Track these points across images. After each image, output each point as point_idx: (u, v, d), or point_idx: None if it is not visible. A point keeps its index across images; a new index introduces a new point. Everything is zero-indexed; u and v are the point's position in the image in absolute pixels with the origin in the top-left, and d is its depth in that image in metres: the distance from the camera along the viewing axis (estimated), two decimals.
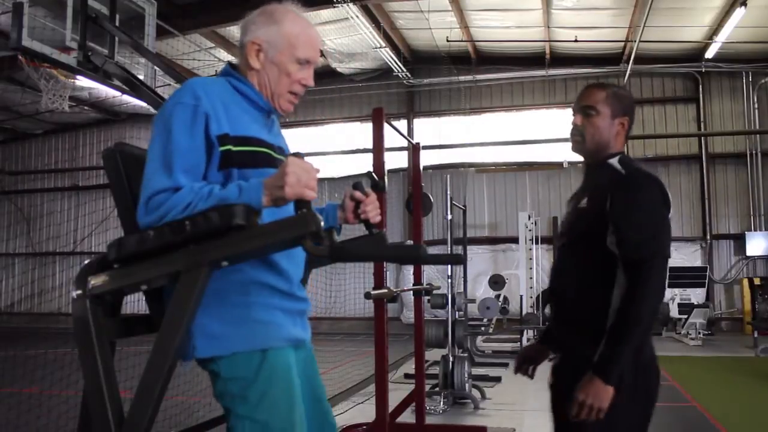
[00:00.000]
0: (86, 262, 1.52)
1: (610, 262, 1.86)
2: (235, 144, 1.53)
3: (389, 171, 4.27)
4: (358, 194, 1.69)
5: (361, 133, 14.52)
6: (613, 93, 2.01)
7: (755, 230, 12.97)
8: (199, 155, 1.50)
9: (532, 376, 2.21)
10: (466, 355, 6.19)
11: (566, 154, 12.98)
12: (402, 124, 14.55)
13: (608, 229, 1.86)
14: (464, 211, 8.85)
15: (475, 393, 5.95)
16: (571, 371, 1.87)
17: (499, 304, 10.06)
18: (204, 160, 1.51)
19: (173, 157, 1.47)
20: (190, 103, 1.51)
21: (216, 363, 1.51)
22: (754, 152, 13.09)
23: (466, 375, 5.85)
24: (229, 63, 1.72)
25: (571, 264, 1.99)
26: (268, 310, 1.57)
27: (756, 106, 13.16)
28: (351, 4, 10.43)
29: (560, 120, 13.60)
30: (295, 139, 15.08)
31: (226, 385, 1.51)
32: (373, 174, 3.66)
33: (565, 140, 13.05)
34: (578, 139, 2.02)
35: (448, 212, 6.24)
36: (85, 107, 14.39)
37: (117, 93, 7.96)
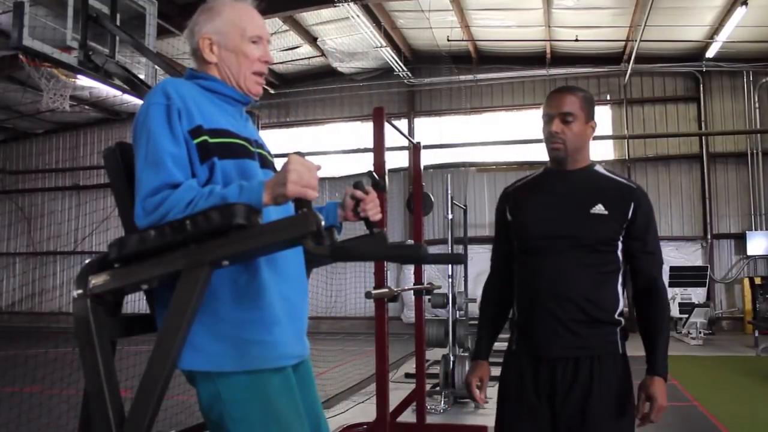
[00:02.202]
0: (87, 261, 1.52)
1: (617, 266, 2.02)
2: (210, 136, 1.54)
3: (390, 170, 4.27)
4: (358, 193, 1.69)
5: (361, 132, 14.51)
6: (584, 97, 2.07)
7: (756, 230, 12.96)
8: (183, 149, 1.50)
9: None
10: (466, 354, 6.19)
11: None
12: (403, 124, 14.55)
13: (621, 237, 2.00)
14: (465, 211, 8.85)
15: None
16: (596, 369, 1.95)
17: None
18: (187, 153, 1.51)
19: (159, 154, 1.46)
20: (163, 102, 1.51)
21: (214, 382, 1.49)
22: (755, 151, 13.08)
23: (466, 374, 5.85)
24: (190, 68, 1.73)
25: (583, 265, 1.98)
26: (265, 327, 1.53)
27: (757, 105, 13.15)
28: (351, 4, 10.42)
29: None
30: (295, 138, 15.09)
31: (226, 407, 1.49)
32: (374, 173, 3.66)
33: None
34: (560, 146, 2.04)
35: (449, 212, 6.23)
36: (86, 107, 14.38)
37: (118, 92, 7.94)
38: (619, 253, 2.01)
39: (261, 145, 1.72)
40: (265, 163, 1.69)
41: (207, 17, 1.68)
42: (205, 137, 1.53)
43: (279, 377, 1.54)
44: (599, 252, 1.99)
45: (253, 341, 1.51)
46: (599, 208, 1.98)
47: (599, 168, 2.11)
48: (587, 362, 1.95)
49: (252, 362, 1.50)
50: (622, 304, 2.02)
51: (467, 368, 5.84)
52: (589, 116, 2.07)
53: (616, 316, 1.99)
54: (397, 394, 4.89)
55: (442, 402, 5.73)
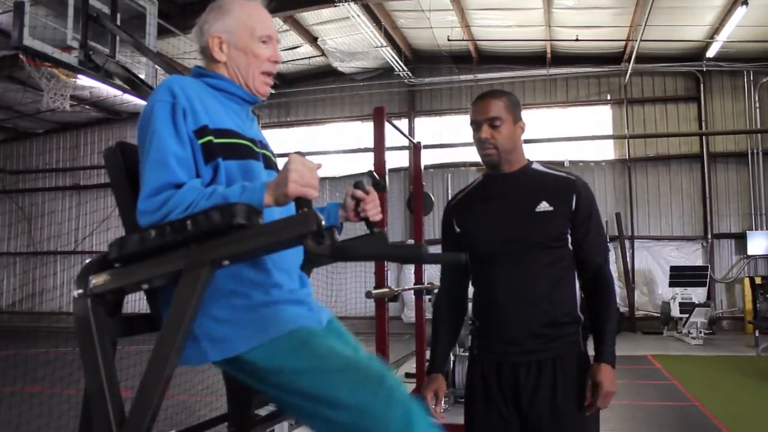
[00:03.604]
0: (87, 261, 1.52)
1: (570, 260, 2.03)
2: (215, 136, 1.53)
3: (390, 170, 4.27)
4: (358, 193, 1.69)
5: (362, 132, 14.51)
6: (509, 99, 2.10)
7: (756, 229, 12.96)
8: (188, 149, 1.50)
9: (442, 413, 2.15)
10: (467, 354, 6.19)
11: (567, 153, 13.00)
12: (403, 123, 14.54)
13: (569, 230, 2.02)
14: None
15: None
16: (558, 368, 1.97)
17: None
18: (192, 153, 1.51)
19: (163, 153, 1.46)
20: (168, 100, 1.51)
21: (251, 364, 1.45)
22: (755, 151, 13.08)
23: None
24: (197, 66, 1.72)
25: (539, 265, 1.99)
26: (276, 306, 1.52)
27: (757, 105, 13.14)
28: (352, 3, 10.43)
29: (561, 119, 13.58)
30: (296, 138, 15.09)
31: (279, 372, 1.43)
32: (374, 173, 3.66)
33: (566, 139, 13.00)
34: (492, 151, 2.05)
35: None
36: (86, 106, 14.40)
37: (118, 92, 7.97)
38: (570, 247, 2.03)
39: (265, 146, 1.72)
40: (269, 163, 1.69)
41: (217, 15, 1.67)
42: (210, 137, 1.52)
43: (309, 329, 1.50)
44: (552, 249, 2.00)
45: (268, 316, 1.48)
46: (544, 206, 1.99)
47: (537, 165, 2.12)
48: (549, 363, 1.96)
49: (273, 329, 1.46)
50: (581, 299, 2.04)
51: (467, 368, 5.85)
52: (517, 117, 2.09)
53: (578, 312, 2.02)
54: None
55: (443, 402, 5.73)
